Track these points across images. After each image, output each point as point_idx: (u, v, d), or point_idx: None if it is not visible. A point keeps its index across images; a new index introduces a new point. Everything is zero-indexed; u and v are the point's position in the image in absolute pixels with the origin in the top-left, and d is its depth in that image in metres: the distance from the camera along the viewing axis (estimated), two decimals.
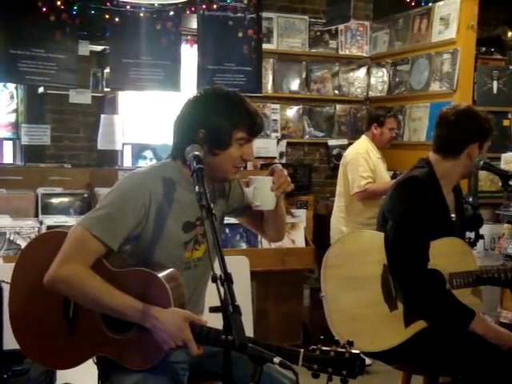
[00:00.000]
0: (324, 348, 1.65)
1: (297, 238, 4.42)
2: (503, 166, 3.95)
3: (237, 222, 4.66)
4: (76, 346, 1.90)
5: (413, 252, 2.36)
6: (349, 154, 4.46)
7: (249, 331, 3.89)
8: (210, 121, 1.91)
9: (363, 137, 4.53)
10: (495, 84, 4.80)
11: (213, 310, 1.55)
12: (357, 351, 1.62)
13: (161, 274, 1.83)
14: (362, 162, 4.33)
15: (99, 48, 4.84)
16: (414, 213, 2.42)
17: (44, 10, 4.28)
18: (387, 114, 4.43)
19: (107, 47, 4.70)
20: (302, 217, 4.63)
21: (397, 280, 2.38)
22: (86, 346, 1.89)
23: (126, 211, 1.85)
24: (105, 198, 1.93)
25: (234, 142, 1.93)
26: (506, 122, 4.82)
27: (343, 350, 1.62)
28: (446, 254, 2.42)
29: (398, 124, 4.60)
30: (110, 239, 1.84)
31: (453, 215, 2.52)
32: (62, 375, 3.19)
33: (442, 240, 2.43)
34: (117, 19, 4.50)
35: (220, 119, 1.91)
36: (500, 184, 2.83)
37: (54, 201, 4.22)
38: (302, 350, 1.67)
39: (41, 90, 4.70)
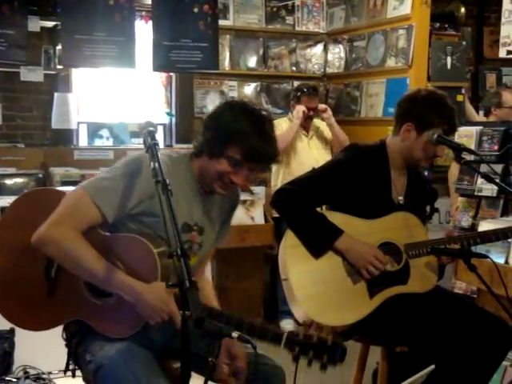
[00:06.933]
0: (308, 333, 1.68)
1: (256, 214, 4.44)
2: (457, 139, 4.01)
3: None
4: (54, 307, 1.90)
5: (306, 183, 2.45)
6: None
7: None
8: (220, 123, 1.90)
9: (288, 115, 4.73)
10: (449, 59, 4.87)
11: (170, 286, 1.55)
12: (339, 340, 1.66)
13: (155, 250, 1.82)
14: None
15: (50, 24, 4.69)
16: (332, 168, 2.50)
17: None
18: (300, 94, 4.55)
19: (58, 23, 4.57)
20: (261, 194, 4.65)
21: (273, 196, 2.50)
22: (65, 308, 1.89)
23: (131, 187, 1.85)
24: (114, 168, 1.92)
25: (225, 156, 1.88)
26: (459, 98, 4.89)
27: (327, 337, 1.66)
28: (397, 228, 2.46)
29: (314, 102, 4.58)
30: (108, 210, 1.83)
31: (400, 198, 2.55)
32: (19, 358, 3.16)
33: (392, 214, 2.47)
34: None
35: (227, 125, 1.88)
36: (453, 157, 2.88)
37: (8, 181, 4.14)
38: (286, 332, 1.70)
39: None
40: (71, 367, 1.99)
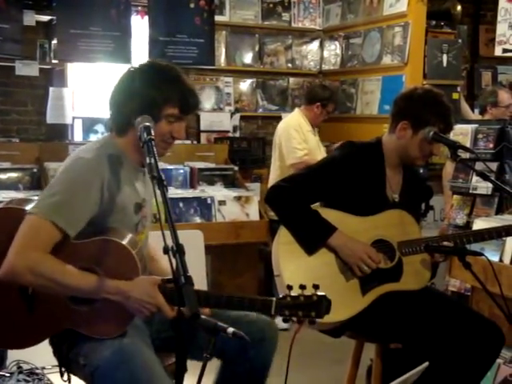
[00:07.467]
0: (293, 294, 1.79)
1: (251, 211, 4.44)
2: (452, 137, 4.02)
3: (190, 195, 4.65)
4: (37, 323, 1.87)
5: (301, 179, 2.45)
6: (280, 127, 4.58)
7: None
8: (142, 93, 1.90)
9: (297, 110, 4.66)
10: (445, 57, 4.87)
11: (165, 281, 1.54)
12: (323, 293, 1.79)
13: (124, 241, 1.83)
14: (294, 134, 4.47)
15: (46, 18, 4.68)
16: (327, 166, 2.49)
17: None
18: (331, 100, 4.55)
19: (54, 17, 4.56)
20: (256, 190, 4.65)
21: (268, 192, 2.49)
22: (50, 322, 1.86)
23: (82, 198, 1.82)
24: (56, 183, 1.87)
25: (164, 117, 1.91)
26: (455, 96, 4.90)
27: (310, 293, 1.78)
28: (391, 225, 2.46)
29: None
30: (68, 227, 1.80)
31: (395, 195, 2.55)
32: (12, 353, 3.14)
33: (387, 212, 2.47)
34: None
35: (152, 92, 1.90)
36: (449, 155, 2.88)
37: (2, 176, 4.12)
38: (274, 298, 1.80)
39: None
40: (65, 374, 1.96)
